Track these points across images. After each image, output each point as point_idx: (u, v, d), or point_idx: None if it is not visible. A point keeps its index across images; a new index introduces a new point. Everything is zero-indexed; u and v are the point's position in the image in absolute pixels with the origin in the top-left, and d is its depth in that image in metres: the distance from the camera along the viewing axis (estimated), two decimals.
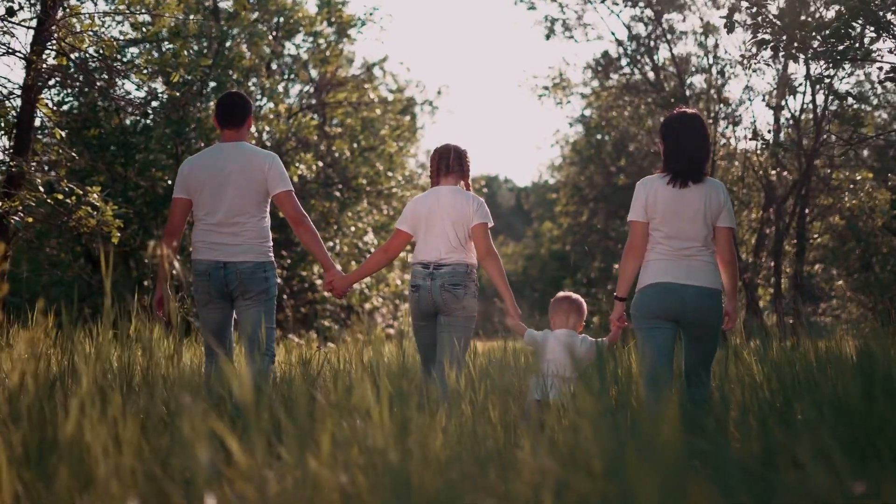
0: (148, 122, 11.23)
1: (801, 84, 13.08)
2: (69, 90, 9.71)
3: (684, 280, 4.57)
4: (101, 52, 7.71)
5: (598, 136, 24.20)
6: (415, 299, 5.20)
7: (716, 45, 15.40)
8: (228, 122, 5.15)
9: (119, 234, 7.57)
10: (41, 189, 7.36)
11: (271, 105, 12.95)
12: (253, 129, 12.64)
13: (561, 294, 5.34)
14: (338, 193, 14.99)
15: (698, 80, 15.16)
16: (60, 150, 7.79)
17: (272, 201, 5.18)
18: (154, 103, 11.83)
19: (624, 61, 14.62)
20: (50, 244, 10.62)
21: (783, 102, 13.82)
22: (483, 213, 5.21)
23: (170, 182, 11.19)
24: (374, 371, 4.34)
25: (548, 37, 16.55)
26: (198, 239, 5.08)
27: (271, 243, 5.16)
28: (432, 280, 5.11)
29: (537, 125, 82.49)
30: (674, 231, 4.62)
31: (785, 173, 13.73)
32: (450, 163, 5.31)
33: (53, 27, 7.25)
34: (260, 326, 4.92)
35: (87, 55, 7.79)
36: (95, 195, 7.54)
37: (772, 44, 5.79)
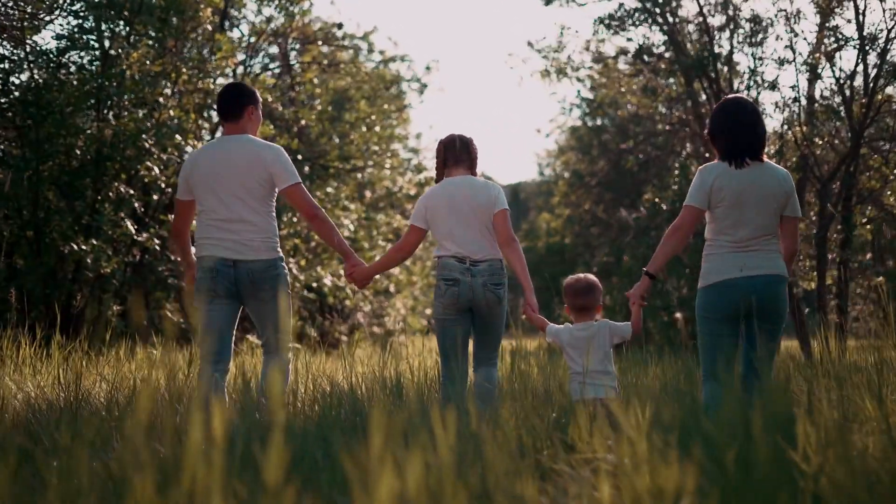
0: (60, 74, 9.14)
1: (848, 39, 11.10)
2: None
3: (753, 271, 4.42)
4: None
5: (602, 120, 22.39)
6: (453, 293, 5.00)
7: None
8: (226, 116, 5.04)
9: None
10: None
11: (216, 58, 10.75)
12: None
13: (570, 280, 4.92)
14: (307, 169, 12.94)
15: (724, 42, 13.20)
16: None
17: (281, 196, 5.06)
18: (73, 57, 9.83)
19: (641, 17, 12.62)
20: None
21: (822, 63, 11.80)
22: (503, 198, 5.12)
23: (83, 146, 9.14)
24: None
25: (548, 2, 14.93)
26: (202, 235, 4.91)
27: (278, 238, 5.02)
28: (472, 277, 4.99)
29: (532, 114, 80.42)
30: (741, 220, 4.43)
31: (825, 145, 11.73)
32: (457, 152, 5.21)
33: None
34: (278, 323, 4.86)
35: None
36: None
37: None
